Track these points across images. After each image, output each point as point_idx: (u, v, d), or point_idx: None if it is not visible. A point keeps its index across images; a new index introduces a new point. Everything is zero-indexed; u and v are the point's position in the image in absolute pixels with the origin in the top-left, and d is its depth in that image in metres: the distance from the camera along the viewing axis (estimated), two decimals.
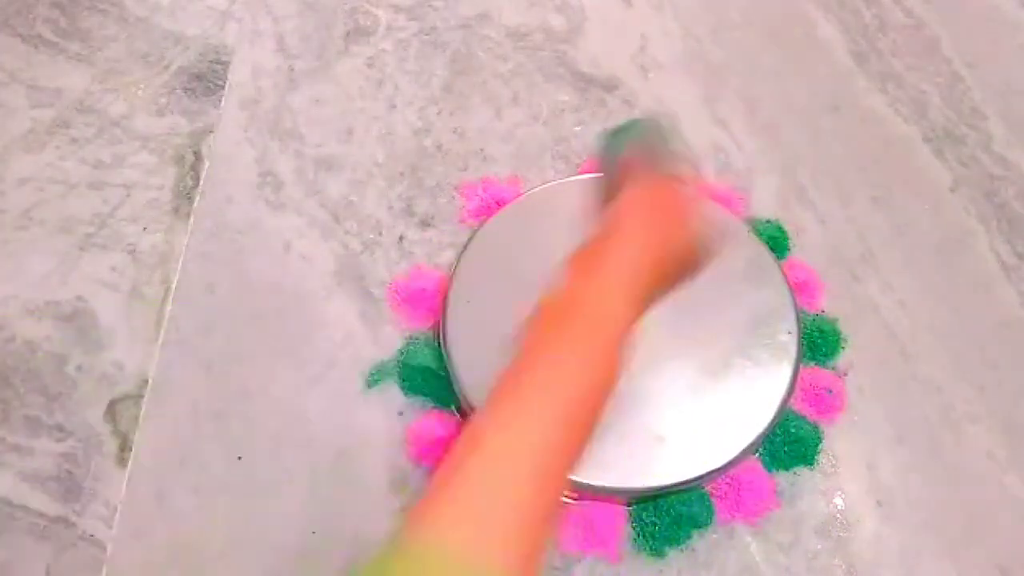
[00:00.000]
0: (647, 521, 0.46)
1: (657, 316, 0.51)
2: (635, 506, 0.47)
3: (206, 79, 0.65)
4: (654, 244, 0.37)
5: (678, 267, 0.39)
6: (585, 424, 0.33)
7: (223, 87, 0.64)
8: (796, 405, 0.50)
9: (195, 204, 0.58)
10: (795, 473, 0.49)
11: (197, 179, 0.60)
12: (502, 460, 0.31)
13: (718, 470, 0.46)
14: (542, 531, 0.31)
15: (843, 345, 0.53)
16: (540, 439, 0.32)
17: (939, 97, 0.65)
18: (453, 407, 0.50)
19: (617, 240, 0.37)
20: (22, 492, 0.47)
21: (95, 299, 0.54)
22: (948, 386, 0.52)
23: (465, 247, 0.54)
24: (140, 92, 0.64)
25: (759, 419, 0.48)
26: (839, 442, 0.50)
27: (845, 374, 0.52)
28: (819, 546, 0.47)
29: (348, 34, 0.68)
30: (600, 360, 0.35)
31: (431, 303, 0.54)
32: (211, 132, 0.62)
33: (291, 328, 0.53)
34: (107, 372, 0.51)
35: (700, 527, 0.46)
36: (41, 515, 0.47)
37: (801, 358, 0.51)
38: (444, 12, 0.70)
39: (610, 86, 0.65)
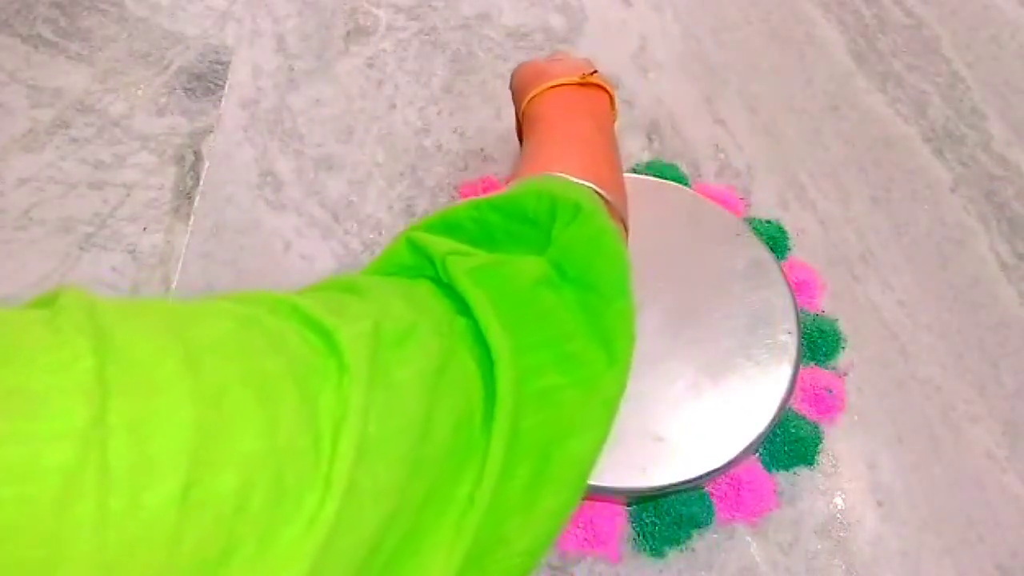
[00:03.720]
0: (647, 521, 0.46)
1: (657, 316, 0.51)
2: (635, 506, 0.47)
3: (206, 79, 0.65)
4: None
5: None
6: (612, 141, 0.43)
7: (223, 87, 0.64)
8: (796, 405, 0.50)
9: (195, 204, 0.58)
10: (795, 473, 0.49)
11: (197, 179, 0.60)
12: (563, 138, 0.40)
13: (718, 470, 0.46)
14: (616, 166, 0.40)
15: (843, 345, 0.53)
16: (588, 123, 0.41)
17: (939, 97, 0.65)
18: None
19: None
20: None
21: None
22: (948, 386, 0.52)
23: None
24: (140, 92, 0.64)
25: (759, 419, 0.48)
26: (839, 442, 0.50)
27: (845, 374, 0.52)
28: (819, 546, 0.47)
29: (348, 34, 0.68)
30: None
31: None
32: (211, 132, 0.62)
33: None
34: None
35: (700, 527, 0.46)
36: None
37: (801, 358, 0.51)
38: (444, 12, 0.70)
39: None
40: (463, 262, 0.29)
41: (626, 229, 0.38)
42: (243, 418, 0.19)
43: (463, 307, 0.28)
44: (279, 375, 0.20)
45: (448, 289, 0.28)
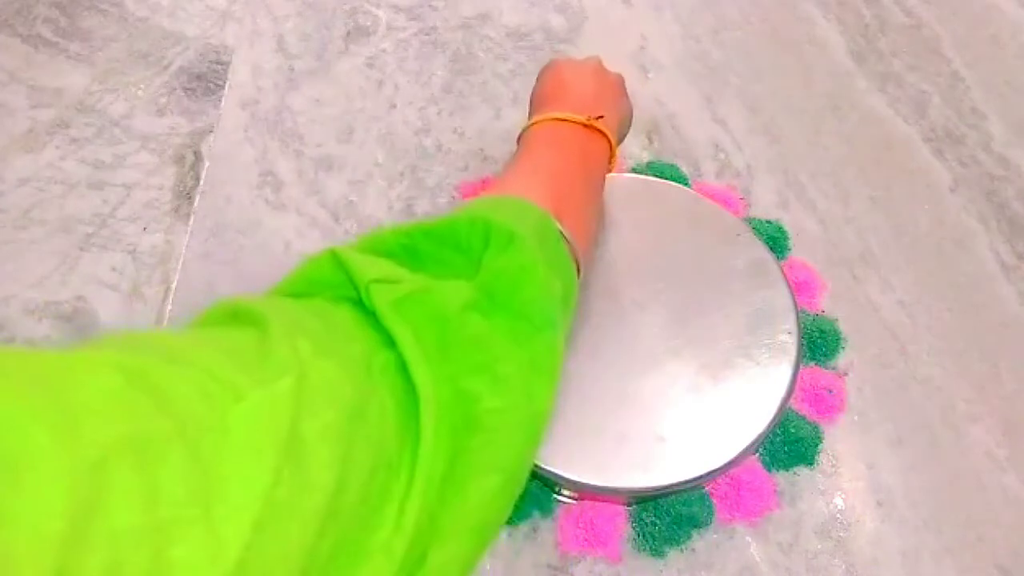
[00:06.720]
0: (647, 521, 0.46)
1: (657, 316, 0.51)
2: (635, 506, 0.47)
3: (206, 79, 0.65)
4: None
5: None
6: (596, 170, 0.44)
7: (223, 87, 0.64)
8: (796, 405, 0.50)
9: (195, 204, 0.58)
10: (795, 473, 0.49)
11: (197, 179, 0.60)
12: (536, 170, 0.40)
13: (718, 470, 0.46)
14: (586, 211, 0.41)
15: (843, 345, 0.53)
16: (573, 163, 0.42)
17: (939, 97, 0.65)
18: None
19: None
20: None
21: (95, 299, 0.54)
22: (948, 386, 0.52)
23: None
24: (140, 92, 0.64)
25: (759, 419, 0.48)
26: (839, 442, 0.50)
27: (845, 374, 0.52)
28: (819, 546, 0.47)
29: (348, 34, 0.68)
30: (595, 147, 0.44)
31: None
32: (211, 132, 0.62)
33: None
34: None
35: (700, 527, 0.46)
36: None
37: (801, 358, 0.51)
38: (444, 12, 0.70)
39: None
40: (388, 292, 0.28)
41: (579, 271, 0.38)
42: (120, 491, 0.17)
43: (388, 338, 0.27)
44: (167, 439, 0.19)
45: (372, 317, 0.27)
